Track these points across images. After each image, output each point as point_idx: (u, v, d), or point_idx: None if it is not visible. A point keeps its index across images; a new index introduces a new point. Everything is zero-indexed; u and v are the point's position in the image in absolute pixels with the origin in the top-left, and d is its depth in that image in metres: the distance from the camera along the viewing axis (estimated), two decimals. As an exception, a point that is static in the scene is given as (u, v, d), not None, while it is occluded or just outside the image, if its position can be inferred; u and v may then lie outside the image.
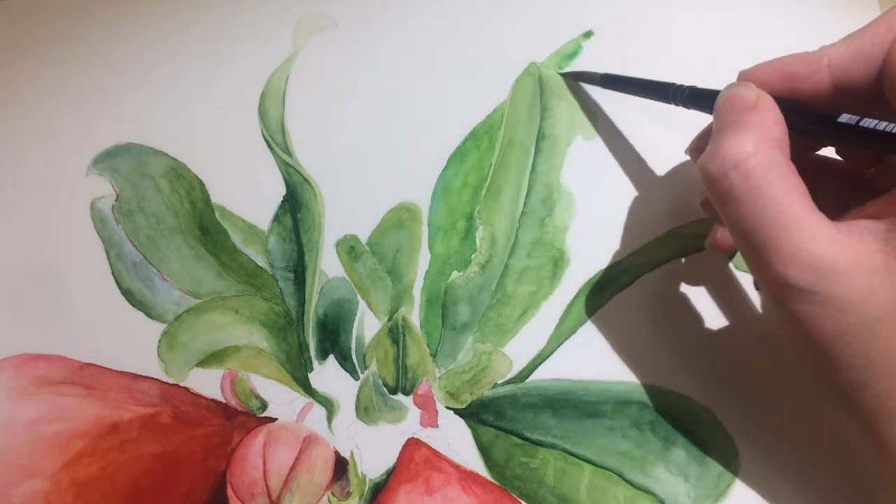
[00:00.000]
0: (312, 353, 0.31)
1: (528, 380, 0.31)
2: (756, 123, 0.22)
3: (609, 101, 0.32)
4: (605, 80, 0.30)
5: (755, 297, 0.30)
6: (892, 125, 0.20)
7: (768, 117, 0.22)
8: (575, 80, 0.32)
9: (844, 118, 0.21)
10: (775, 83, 0.24)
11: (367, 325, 0.31)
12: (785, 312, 0.22)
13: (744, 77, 0.25)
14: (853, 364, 0.22)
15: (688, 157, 0.30)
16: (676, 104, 0.26)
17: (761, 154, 0.21)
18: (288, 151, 0.32)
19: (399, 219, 0.31)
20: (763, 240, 0.21)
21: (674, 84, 0.27)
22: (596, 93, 0.32)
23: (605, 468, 0.30)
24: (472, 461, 0.30)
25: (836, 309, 0.21)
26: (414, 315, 0.31)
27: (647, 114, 0.32)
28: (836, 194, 0.26)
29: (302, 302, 0.31)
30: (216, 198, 0.32)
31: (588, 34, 0.32)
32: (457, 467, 0.30)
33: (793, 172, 0.22)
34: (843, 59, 0.23)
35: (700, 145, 0.27)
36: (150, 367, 0.31)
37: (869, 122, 0.21)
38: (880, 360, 0.22)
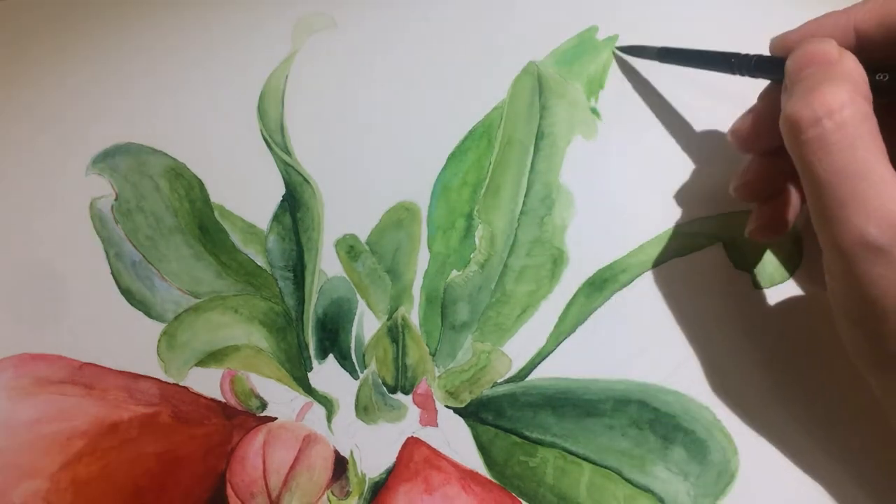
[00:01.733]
0: (312, 352, 0.31)
1: (527, 379, 0.31)
2: (847, 76, 0.22)
3: (609, 101, 0.32)
4: (662, 53, 0.29)
5: (755, 296, 0.30)
6: None
7: (857, 72, 0.22)
8: (630, 54, 0.31)
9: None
10: (839, 37, 0.23)
11: (367, 324, 0.31)
12: (855, 272, 0.21)
13: (776, 43, 0.24)
14: None
15: (688, 157, 0.30)
16: (742, 74, 0.26)
17: (857, 105, 0.21)
18: (287, 151, 0.32)
19: (398, 218, 0.31)
20: (848, 193, 0.21)
21: (738, 53, 0.26)
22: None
23: (605, 467, 0.30)
24: (472, 460, 0.30)
25: None
26: (413, 314, 0.31)
27: (648, 113, 0.32)
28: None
29: (301, 301, 0.31)
30: (215, 197, 0.32)
31: (592, 30, 0.32)
32: (456, 466, 0.30)
33: (878, 132, 0.21)
34: (869, 23, 0.22)
35: (745, 126, 0.27)
36: (150, 366, 0.31)
37: None
38: None
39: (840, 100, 0.21)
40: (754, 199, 0.28)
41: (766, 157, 0.27)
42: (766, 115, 0.26)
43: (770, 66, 0.25)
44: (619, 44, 0.32)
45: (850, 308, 0.23)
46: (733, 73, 0.26)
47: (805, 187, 0.22)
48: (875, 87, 0.22)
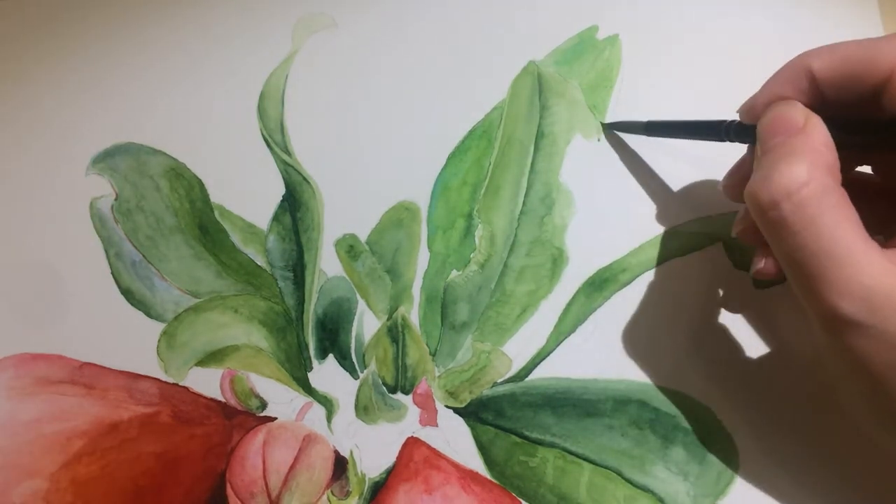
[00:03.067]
0: (312, 352, 0.31)
1: (527, 379, 0.31)
2: (808, 149, 0.22)
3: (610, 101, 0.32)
4: (648, 127, 0.29)
5: (755, 296, 0.30)
6: None
7: (819, 140, 0.22)
8: (616, 130, 0.31)
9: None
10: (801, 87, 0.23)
11: (367, 324, 0.31)
12: (837, 345, 0.22)
13: (744, 112, 0.24)
14: None
15: (687, 156, 0.30)
16: (728, 140, 0.25)
17: (815, 182, 0.21)
18: (287, 151, 0.32)
19: (398, 218, 0.31)
20: (816, 271, 0.21)
21: (717, 122, 0.26)
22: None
23: (605, 467, 0.30)
24: (472, 460, 0.30)
25: (889, 343, 0.21)
26: (413, 314, 0.31)
27: (649, 109, 0.32)
28: (876, 213, 0.25)
29: (301, 301, 0.31)
30: (215, 197, 0.32)
31: (592, 30, 0.32)
32: (456, 466, 0.30)
33: (845, 200, 0.21)
34: (823, 72, 0.22)
35: (734, 181, 0.27)
36: (150, 366, 0.31)
37: None
38: None
39: (798, 179, 0.21)
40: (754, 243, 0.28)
41: None
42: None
43: (746, 133, 0.25)
44: (619, 44, 0.32)
45: (842, 375, 0.23)
46: (722, 140, 0.26)
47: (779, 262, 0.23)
48: (847, 142, 0.22)
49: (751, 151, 0.26)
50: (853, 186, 0.24)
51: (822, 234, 0.21)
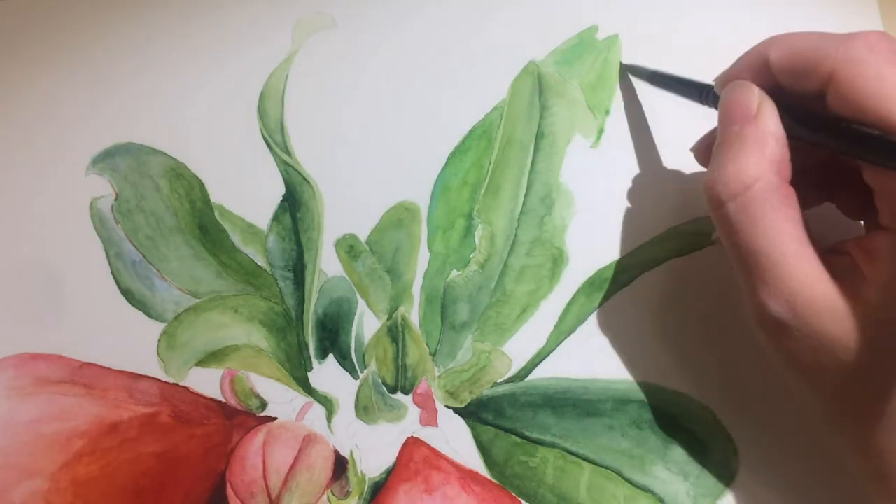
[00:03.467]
0: (312, 352, 0.31)
1: (527, 379, 0.31)
2: (757, 142, 0.22)
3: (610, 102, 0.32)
4: (653, 76, 0.30)
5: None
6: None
7: (769, 132, 0.22)
8: (629, 72, 0.31)
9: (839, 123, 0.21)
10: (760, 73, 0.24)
11: (367, 324, 0.31)
12: (768, 344, 0.23)
13: (719, 83, 0.25)
14: (826, 401, 0.23)
15: (687, 155, 0.30)
16: (708, 105, 0.26)
17: (761, 182, 0.22)
18: (287, 151, 0.32)
19: (398, 218, 0.31)
20: (752, 269, 0.22)
21: (708, 84, 0.26)
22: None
23: (605, 467, 0.30)
24: (472, 460, 0.30)
25: (810, 346, 0.22)
26: (413, 314, 0.31)
27: (647, 110, 0.32)
28: (856, 197, 0.26)
29: (301, 301, 0.31)
30: (215, 197, 0.32)
31: (592, 30, 0.32)
32: (456, 466, 0.30)
33: (789, 201, 0.22)
34: (786, 73, 0.23)
35: (704, 146, 0.28)
36: (150, 366, 0.31)
37: (862, 128, 0.21)
38: (850, 404, 0.22)
39: (745, 179, 0.22)
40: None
41: None
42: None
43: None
44: (619, 44, 0.32)
45: (782, 371, 0.24)
46: (703, 103, 0.26)
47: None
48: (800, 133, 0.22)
49: None
50: (836, 168, 0.24)
51: (760, 234, 0.22)
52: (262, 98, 0.32)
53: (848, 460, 0.25)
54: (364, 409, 0.31)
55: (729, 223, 0.22)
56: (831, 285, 0.21)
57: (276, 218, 0.32)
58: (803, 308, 0.21)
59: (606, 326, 0.31)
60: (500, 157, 0.31)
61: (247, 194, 0.32)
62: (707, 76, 0.30)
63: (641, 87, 0.32)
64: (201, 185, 0.32)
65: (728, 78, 0.25)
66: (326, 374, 0.31)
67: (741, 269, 0.23)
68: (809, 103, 0.22)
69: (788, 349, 0.22)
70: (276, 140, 0.32)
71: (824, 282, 0.21)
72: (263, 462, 0.31)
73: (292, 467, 0.31)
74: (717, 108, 0.25)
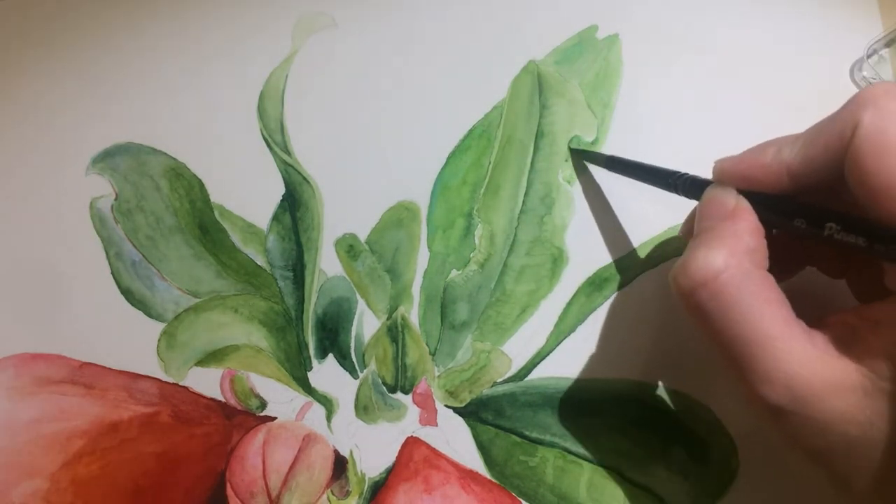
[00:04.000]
0: (312, 351, 0.31)
1: (527, 378, 0.31)
2: (729, 235, 0.22)
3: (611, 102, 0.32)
4: (609, 161, 0.30)
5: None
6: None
7: (742, 227, 0.22)
8: (581, 158, 0.31)
9: (828, 229, 0.20)
10: (740, 185, 0.23)
11: (367, 323, 0.31)
12: (774, 427, 0.22)
13: (717, 172, 0.24)
14: (837, 482, 0.22)
15: (687, 155, 0.30)
16: (678, 193, 0.26)
17: (731, 269, 0.21)
18: (287, 150, 0.32)
19: (398, 217, 0.31)
20: (738, 357, 0.21)
21: (676, 172, 0.26)
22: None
23: (605, 466, 0.30)
24: (472, 460, 0.30)
25: (813, 429, 0.21)
26: (413, 314, 0.31)
27: (647, 110, 0.32)
28: (838, 256, 0.26)
29: (301, 301, 0.31)
30: (215, 197, 0.32)
31: (592, 29, 0.32)
32: (456, 466, 0.30)
33: (767, 284, 0.21)
34: (799, 167, 0.22)
35: (689, 229, 0.27)
36: (150, 366, 0.31)
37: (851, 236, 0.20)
38: (860, 482, 0.21)
39: (714, 267, 0.21)
40: None
41: None
42: None
43: (698, 191, 0.25)
44: (619, 43, 0.32)
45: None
46: (671, 191, 0.26)
47: None
48: (796, 232, 0.22)
49: None
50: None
51: (740, 320, 0.21)
52: (262, 98, 0.32)
53: None
54: (364, 409, 0.31)
55: (702, 312, 0.21)
56: (829, 361, 0.20)
57: (275, 218, 0.32)
58: (802, 391, 0.20)
59: (606, 326, 0.31)
60: (499, 157, 0.31)
61: (247, 194, 0.32)
62: (707, 76, 0.30)
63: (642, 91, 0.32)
64: (201, 184, 0.32)
65: (728, 168, 0.24)
66: (326, 373, 0.31)
67: (726, 358, 0.21)
68: (832, 196, 0.22)
69: (792, 434, 0.21)
70: (276, 140, 0.32)
71: (820, 358, 0.20)
72: (263, 462, 0.31)
73: (292, 467, 0.31)
74: (688, 197, 0.25)
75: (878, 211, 0.19)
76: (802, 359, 0.20)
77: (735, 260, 0.21)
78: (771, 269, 0.22)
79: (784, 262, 0.23)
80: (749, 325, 0.21)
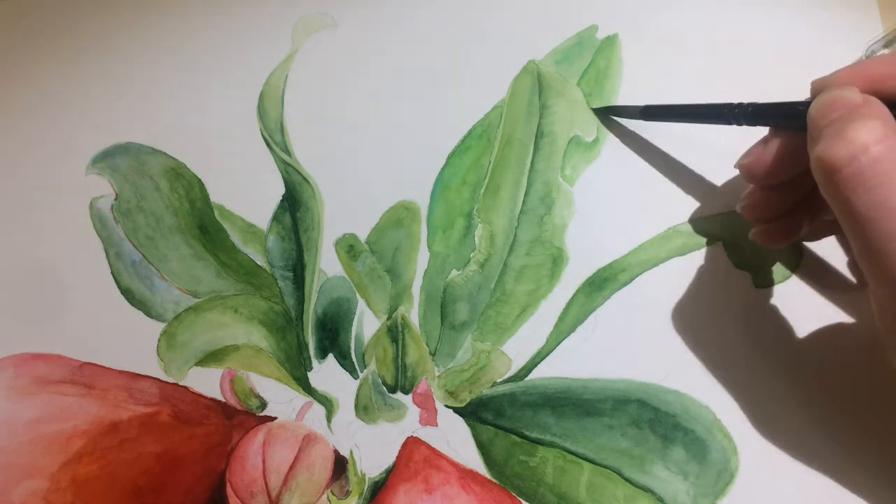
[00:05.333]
0: (312, 351, 0.31)
1: (527, 378, 0.31)
2: (876, 114, 0.21)
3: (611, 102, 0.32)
4: (645, 112, 0.29)
5: (755, 296, 0.30)
6: None
7: (884, 111, 0.21)
8: (610, 114, 0.31)
9: None
10: (859, 85, 0.23)
11: (367, 323, 0.31)
12: (891, 303, 0.21)
13: (820, 84, 0.24)
14: None
15: (687, 155, 0.30)
16: (739, 124, 0.25)
17: (890, 140, 0.21)
18: (287, 150, 0.32)
19: (398, 217, 0.31)
20: (892, 228, 0.20)
21: (731, 104, 0.26)
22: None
23: (605, 466, 0.30)
24: (472, 460, 0.30)
25: None
26: (413, 314, 0.31)
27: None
28: None
29: (301, 301, 0.31)
30: (215, 197, 0.32)
31: (592, 29, 0.32)
32: (456, 466, 0.30)
33: None
34: (885, 76, 0.22)
35: (755, 160, 0.26)
36: (150, 366, 0.31)
37: None
38: None
39: (874, 135, 0.21)
40: (759, 220, 0.28)
41: (773, 190, 0.27)
42: (778, 156, 0.25)
43: (772, 115, 0.24)
44: (618, 43, 0.32)
45: None
46: (729, 123, 0.26)
47: (845, 225, 0.22)
48: None
49: (773, 133, 0.26)
50: None
51: (890, 195, 0.20)
52: (262, 98, 0.32)
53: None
54: (364, 409, 0.31)
55: (862, 180, 0.20)
56: None
57: (275, 218, 0.32)
58: None
59: (606, 326, 0.31)
60: (499, 157, 0.31)
61: (247, 194, 0.32)
62: (707, 75, 0.30)
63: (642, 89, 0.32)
64: (201, 184, 0.32)
65: (845, 74, 0.23)
66: (326, 373, 0.31)
67: (878, 227, 0.21)
68: None
69: None
70: (276, 140, 0.32)
71: None
72: (263, 462, 0.31)
73: (292, 467, 0.31)
74: (753, 125, 0.25)
75: None
76: None
77: (891, 132, 0.21)
78: None
79: None
80: None
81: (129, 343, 0.31)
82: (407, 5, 0.32)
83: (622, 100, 0.32)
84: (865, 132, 0.21)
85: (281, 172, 0.32)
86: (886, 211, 0.20)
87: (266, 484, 0.30)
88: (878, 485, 0.29)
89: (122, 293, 0.31)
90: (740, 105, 0.25)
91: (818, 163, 0.22)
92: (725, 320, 0.30)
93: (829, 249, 0.30)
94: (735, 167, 0.27)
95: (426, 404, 0.31)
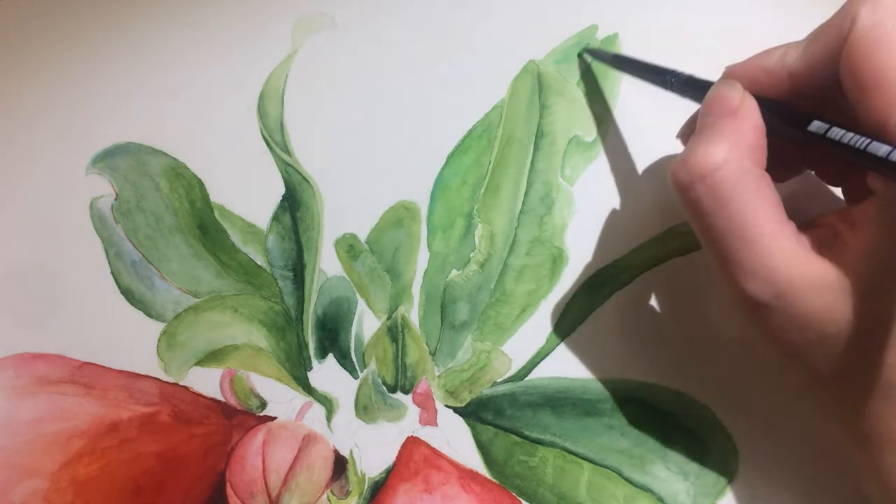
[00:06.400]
0: (312, 351, 0.31)
1: (527, 378, 0.31)
2: (731, 130, 0.22)
3: (612, 96, 0.32)
4: (615, 59, 0.30)
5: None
6: (857, 137, 0.20)
7: (746, 124, 0.22)
8: (590, 56, 0.31)
9: (814, 126, 0.21)
10: (747, 86, 0.23)
11: (367, 323, 0.31)
12: (754, 326, 0.23)
13: (729, 75, 0.24)
14: (812, 376, 0.23)
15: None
16: (672, 91, 0.26)
17: (731, 165, 0.21)
18: (287, 150, 0.32)
19: (398, 217, 0.31)
20: (727, 253, 0.22)
21: (673, 71, 0.26)
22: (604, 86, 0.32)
23: (605, 466, 0.30)
24: (472, 459, 0.30)
25: (792, 325, 0.21)
26: (413, 314, 0.31)
27: (648, 109, 0.32)
28: (835, 163, 0.26)
29: (301, 301, 0.31)
30: (215, 197, 0.32)
31: (592, 29, 0.32)
32: (456, 466, 0.30)
33: (763, 183, 0.22)
34: (800, 68, 0.22)
35: (690, 131, 0.27)
36: (150, 366, 0.31)
37: (836, 133, 0.20)
38: (837, 377, 0.22)
39: (714, 161, 0.21)
40: None
41: None
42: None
43: (695, 90, 0.25)
44: (618, 43, 0.32)
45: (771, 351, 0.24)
46: (666, 88, 0.27)
47: (699, 238, 0.23)
48: (812, 136, 0.22)
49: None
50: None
51: (732, 216, 0.21)
52: (262, 98, 0.32)
53: (832, 430, 0.24)
54: (364, 409, 0.31)
55: (698, 206, 0.22)
56: (812, 260, 0.21)
57: (275, 217, 0.32)
58: (784, 287, 0.21)
59: (606, 326, 0.31)
60: (499, 157, 0.31)
61: (247, 194, 0.32)
62: (707, 75, 0.30)
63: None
64: (201, 184, 0.32)
65: (735, 71, 0.24)
66: (326, 373, 0.31)
67: (714, 253, 0.22)
68: (819, 107, 0.22)
69: (771, 328, 0.22)
70: (276, 140, 0.32)
71: (805, 257, 0.21)
72: (263, 462, 0.31)
73: (292, 467, 0.31)
74: (681, 95, 0.26)
75: (866, 104, 0.20)
76: (788, 257, 0.21)
77: (735, 155, 0.21)
78: (768, 171, 0.22)
79: (782, 165, 0.23)
80: (741, 222, 0.21)
81: (129, 343, 0.31)
82: (407, 5, 0.32)
83: (622, 99, 0.32)
84: (706, 158, 0.21)
85: (281, 172, 0.32)
86: (721, 237, 0.22)
87: (266, 484, 0.30)
88: (878, 485, 0.29)
89: (122, 293, 0.31)
90: (677, 74, 0.26)
91: (670, 176, 0.23)
92: (725, 320, 0.30)
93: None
94: (676, 138, 0.28)
95: (426, 404, 0.31)
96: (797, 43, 0.23)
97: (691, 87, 0.25)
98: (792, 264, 0.21)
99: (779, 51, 0.23)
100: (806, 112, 0.22)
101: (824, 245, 0.22)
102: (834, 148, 0.21)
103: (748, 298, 0.22)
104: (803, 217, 0.23)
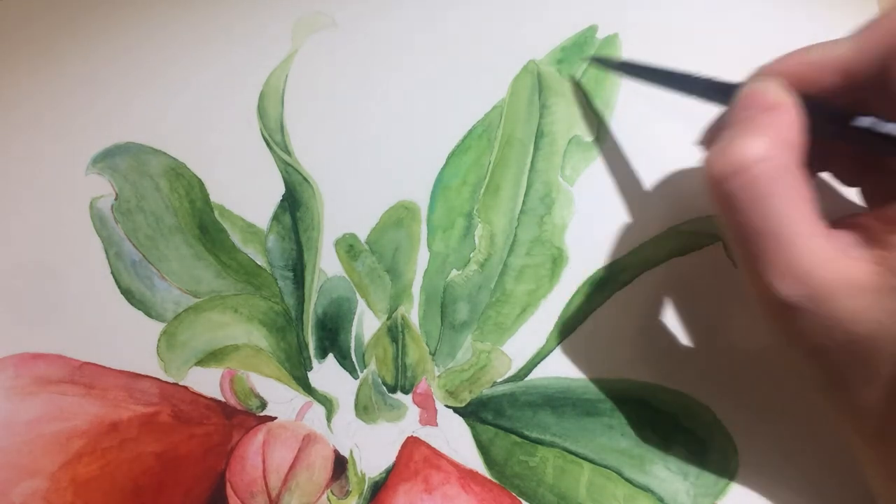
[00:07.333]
0: (312, 351, 0.31)
1: (527, 378, 0.31)
2: (771, 125, 0.21)
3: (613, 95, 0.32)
4: (623, 66, 0.30)
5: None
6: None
7: (785, 120, 0.22)
8: (598, 65, 0.31)
9: (862, 121, 0.21)
10: (794, 74, 0.23)
11: (367, 323, 0.31)
12: (775, 324, 0.22)
13: (765, 73, 0.24)
14: (835, 380, 0.22)
15: (688, 155, 0.30)
16: (696, 96, 0.26)
17: (771, 161, 0.21)
18: (287, 150, 0.32)
19: (398, 217, 0.31)
20: (760, 250, 0.21)
21: (693, 75, 0.26)
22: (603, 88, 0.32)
23: (605, 466, 0.30)
24: (472, 459, 0.30)
25: (820, 327, 0.21)
26: (413, 314, 0.31)
27: (648, 109, 0.32)
28: (854, 164, 0.26)
29: (301, 301, 0.31)
30: (215, 197, 0.32)
31: (592, 29, 0.32)
32: (456, 466, 0.30)
33: (801, 181, 0.21)
34: (853, 59, 0.22)
35: (712, 136, 0.27)
36: (150, 366, 0.31)
37: (888, 127, 0.20)
38: (860, 379, 0.21)
39: (754, 154, 0.21)
40: None
41: None
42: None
43: (721, 93, 0.25)
44: (619, 43, 0.32)
45: (792, 356, 0.23)
46: (687, 94, 0.26)
47: (724, 234, 0.23)
48: (853, 133, 0.22)
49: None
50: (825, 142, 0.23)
51: (769, 214, 0.21)
52: (262, 98, 0.32)
53: (832, 430, 0.24)
54: (364, 409, 0.31)
55: (733, 200, 0.21)
56: (846, 261, 0.21)
57: (275, 217, 0.32)
58: (818, 289, 0.20)
59: (606, 326, 0.31)
60: (499, 157, 0.31)
61: (247, 194, 0.32)
62: (707, 75, 0.30)
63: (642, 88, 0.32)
64: (201, 184, 0.32)
65: (771, 69, 0.24)
66: (326, 373, 0.31)
67: (745, 250, 0.22)
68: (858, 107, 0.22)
69: (796, 329, 0.21)
70: (276, 140, 0.32)
71: (838, 258, 0.21)
72: (263, 461, 0.31)
73: (292, 467, 0.31)
74: (705, 99, 0.25)
75: None
76: (822, 257, 0.20)
77: (776, 151, 0.21)
78: None
79: (805, 166, 0.23)
80: (776, 220, 0.21)
81: (129, 343, 0.31)
82: (407, 5, 0.32)
83: (622, 99, 0.31)
84: (745, 151, 0.21)
85: (281, 172, 0.32)
86: (755, 234, 0.21)
87: (266, 484, 0.30)
88: (879, 485, 0.29)
89: (122, 293, 0.31)
90: (699, 78, 0.25)
91: (705, 168, 0.22)
92: (725, 320, 0.30)
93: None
94: (695, 144, 0.27)
95: (426, 404, 0.31)
96: (843, 38, 0.22)
97: (717, 90, 0.25)
98: (827, 266, 0.20)
99: (822, 45, 0.23)
100: (845, 108, 0.22)
101: (857, 244, 0.21)
102: (880, 144, 0.20)
103: (777, 298, 0.21)
104: (825, 219, 0.22)
